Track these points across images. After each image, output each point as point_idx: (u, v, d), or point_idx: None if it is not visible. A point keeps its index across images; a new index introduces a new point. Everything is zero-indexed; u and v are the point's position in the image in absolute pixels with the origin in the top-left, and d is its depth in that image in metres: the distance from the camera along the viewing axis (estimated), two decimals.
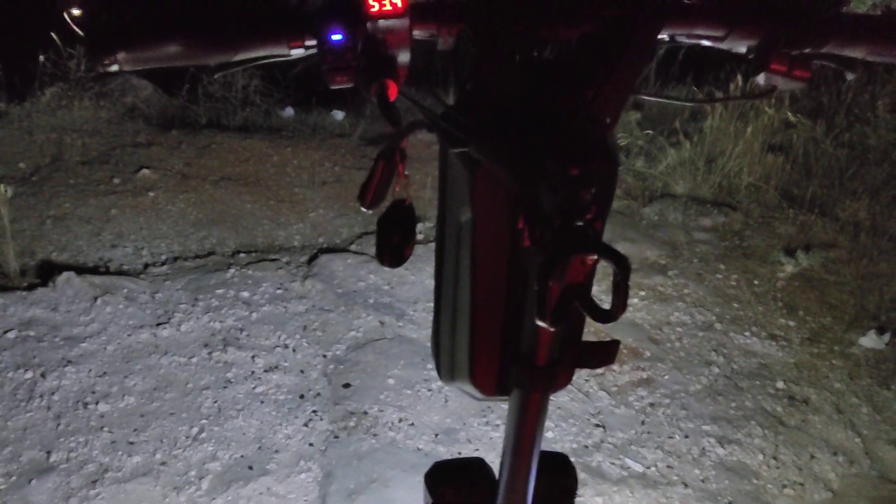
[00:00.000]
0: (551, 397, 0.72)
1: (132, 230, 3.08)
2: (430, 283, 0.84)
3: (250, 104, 4.50)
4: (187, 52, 0.61)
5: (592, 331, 2.46)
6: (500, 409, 2.14)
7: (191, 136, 4.05)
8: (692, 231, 3.39)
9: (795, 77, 0.69)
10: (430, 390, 2.24)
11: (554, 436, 2.11)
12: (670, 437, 2.14)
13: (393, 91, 0.61)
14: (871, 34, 0.72)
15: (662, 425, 2.19)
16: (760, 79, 0.70)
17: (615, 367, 2.42)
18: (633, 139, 3.99)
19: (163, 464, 1.92)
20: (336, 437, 2.05)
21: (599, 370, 2.38)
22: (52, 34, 4.16)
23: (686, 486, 1.97)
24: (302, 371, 2.31)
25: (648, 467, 2.02)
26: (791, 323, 2.74)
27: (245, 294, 2.65)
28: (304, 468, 1.94)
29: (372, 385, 2.25)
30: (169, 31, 0.60)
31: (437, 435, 2.07)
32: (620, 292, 0.52)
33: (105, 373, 2.21)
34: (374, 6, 0.60)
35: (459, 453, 2.01)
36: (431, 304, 0.82)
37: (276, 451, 1.98)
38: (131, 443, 1.97)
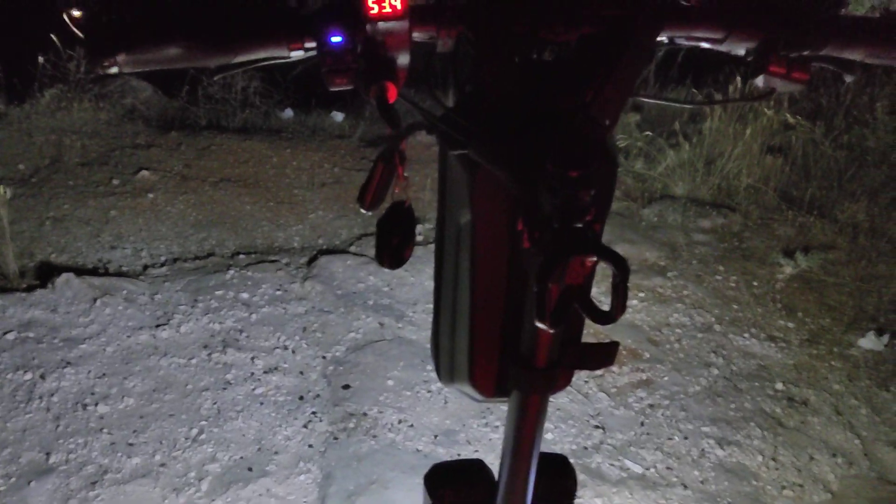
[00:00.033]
0: (551, 399, 0.73)
1: (131, 231, 3.08)
2: (430, 285, 0.84)
3: (250, 106, 4.51)
4: (187, 54, 0.61)
5: (592, 332, 2.46)
6: (500, 410, 2.14)
7: (190, 138, 4.05)
8: (691, 232, 3.39)
9: (794, 79, 0.69)
10: (429, 392, 2.24)
11: (553, 437, 2.11)
12: (670, 439, 2.14)
13: (392, 93, 0.61)
14: (869, 36, 0.72)
15: (662, 427, 2.19)
16: (759, 81, 0.70)
17: (614, 368, 2.42)
18: (633, 140, 3.99)
19: (162, 465, 1.91)
20: (335, 438, 2.05)
21: (599, 372, 2.38)
22: (52, 36, 4.17)
23: (685, 487, 1.97)
24: (301, 372, 2.31)
25: (648, 469, 2.02)
26: (790, 324, 2.74)
27: (244, 295, 2.65)
28: (304, 469, 1.94)
29: (371, 386, 2.25)
30: (169, 33, 0.61)
31: (436, 436, 2.07)
32: (619, 294, 0.52)
33: (104, 374, 2.21)
34: (373, 8, 0.60)
35: (459, 455, 2.01)
36: (431, 306, 0.82)
37: (276, 453, 1.98)
38: (130, 444, 1.97)
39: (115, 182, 3.49)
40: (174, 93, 4.50)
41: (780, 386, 2.40)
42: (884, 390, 2.40)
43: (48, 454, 1.91)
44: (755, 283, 3.00)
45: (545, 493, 0.80)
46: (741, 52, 0.72)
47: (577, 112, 0.62)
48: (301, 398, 2.20)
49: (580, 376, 2.35)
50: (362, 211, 0.66)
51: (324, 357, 2.39)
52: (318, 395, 2.22)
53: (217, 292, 2.65)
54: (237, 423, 2.08)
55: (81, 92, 4.27)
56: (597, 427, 2.17)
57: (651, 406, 2.27)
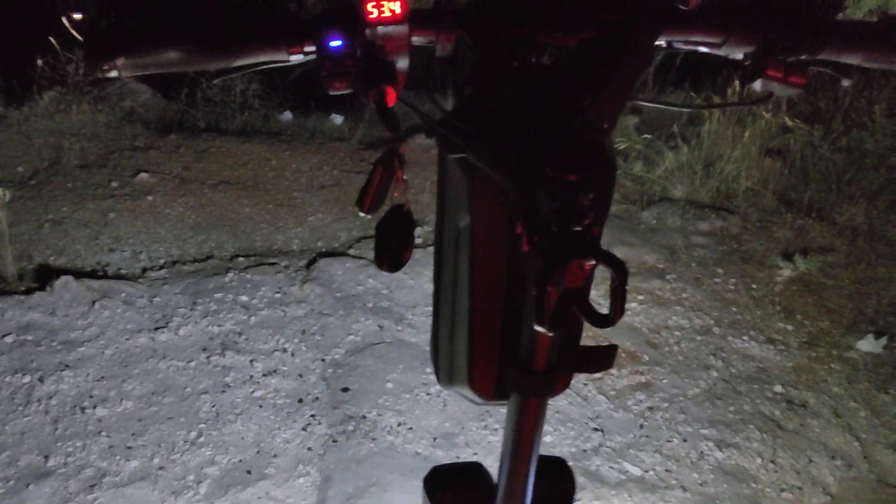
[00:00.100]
0: (550, 401, 0.73)
1: (130, 234, 3.08)
2: (429, 288, 0.84)
3: (249, 108, 4.51)
4: (187, 58, 0.61)
5: (591, 335, 2.46)
6: (499, 413, 2.14)
7: (189, 140, 4.05)
8: (690, 235, 3.39)
9: (791, 83, 0.69)
10: (428, 394, 2.24)
11: (552, 440, 2.11)
12: (669, 441, 2.14)
13: (392, 97, 0.61)
14: (867, 41, 0.72)
15: (661, 429, 2.19)
16: (757, 85, 0.70)
17: (613, 371, 2.42)
18: (632, 143, 4.00)
19: (161, 468, 1.91)
20: (335, 441, 2.05)
21: (598, 374, 2.38)
22: (51, 38, 4.17)
23: (684, 489, 1.97)
24: (300, 375, 2.31)
25: (647, 471, 2.02)
26: (789, 327, 2.74)
27: (244, 298, 2.65)
28: (303, 472, 1.93)
29: (370, 389, 2.25)
30: (168, 37, 0.61)
31: (435, 439, 2.07)
32: (618, 297, 0.52)
33: (103, 377, 2.21)
34: (373, 13, 0.61)
35: (458, 457, 2.01)
36: (430, 309, 0.82)
37: (275, 456, 1.98)
38: (129, 447, 1.97)
39: (114, 184, 3.49)
40: (173, 95, 4.50)
41: (779, 388, 2.40)
42: (883, 393, 2.41)
43: (46, 457, 1.91)
44: (754, 286, 3.00)
45: (544, 495, 0.80)
46: (739, 56, 0.72)
47: (575, 116, 0.62)
48: (300, 401, 2.20)
49: (579, 379, 2.35)
50: (361, 214, 0.66)
51: (323, 360, 2.38)
52: (317, 398, 2.22)
53: (216, 295, 2.65)
54: (236, 425, 2.07)
55: (80, 94, 4.27)
56: (596, 430, 2.17)
57: (650, 409, 2.27)
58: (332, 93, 0.64)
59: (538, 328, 0.54)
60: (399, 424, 2.11)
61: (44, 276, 2.66)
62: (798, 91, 0.70)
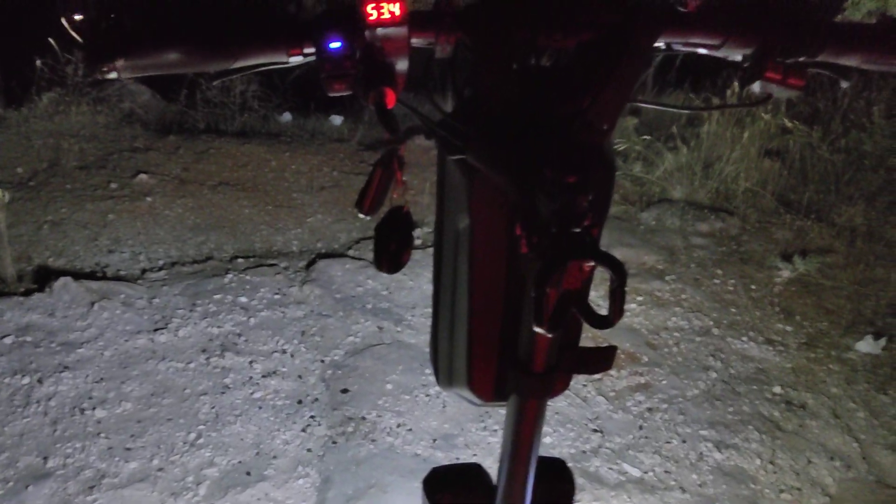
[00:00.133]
0: (549, 402, 0.73)
1: (129, 235, 3.08)
2: (429, 289, 0.84)
3: (248, 109, 4.51)
4: (187, 59, 0.61)
5: (590, 336, 2.46)
6: (498, 414, 2.14)
7: (189, 142, 4.05)
8: (690, 236, 3.39)
9: (790, 85, 0.69)
10: (428, 396, 2.23)
11: (552, 441, 2.11)
12: (668, 442, 2.14)
13: (391, 99, 0.61)
14: (865, 43, 0.72)
15: (660, 430, 2.19)
16: (756, 86, 0.71)
17: (613, 372, 2.42)
18: (631, 144, 4.00)
19: (160, 470, 1.91)
20: (334, 442, 2.05)
21: (597, 376, 2.38)
22: (50, 39, 4.17)
23: (684, 490, 1.97)
24: (300, 376, 2.30)
25: (646, 472, 2.02)
26: (788, 328, 2.74)
27: (243, 299, 2.65)
28: (302, 474, 1.93)
29: (370, 390, 2.25)
30: (168, 38, 0.61)
31: (435, 440, 2.07)
32: (617, 298, 0.52)
33: (102, 378, 2.21)
34: (372, 14, 0.61)
35: (457, 459, 2.01)
36: (429, 310, 0.82)
37: (274, 457, 1.98)
38: (128, 449, 1.97)
39: (113, 186, 3.49)
40: (172, 96, 4.51)
41: (778, 389, 2.40)
42: (882, 394, 2.41)
43: (46, 459, 1.91)
44: (753, 287, 3.00)
45: (543, 496, 0.80)
46: (738, 57, 0.72)
47: (575, 118, 0.62)
48: (300, 402, 2.20)
49: (578, 380, 2.35)
50: (361, 216, 0.66)
51: (322, 361, 2.38)
52: (316, 399, 2.21)
53: (215, 296, 2.65)
54: (235, 427, 2.07)
55: (79, 95, 4.27)
56: (595, 431, 2.17)
57: (649, 410, 2.27)
58: (331, 94, 0.64)
59: (537, 329, 0.54)
60: (398, 426, 2.11)
61: (43, 278, 2.66)
62: (797, 93, 0.70)
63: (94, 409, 2.09)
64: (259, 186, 3.64)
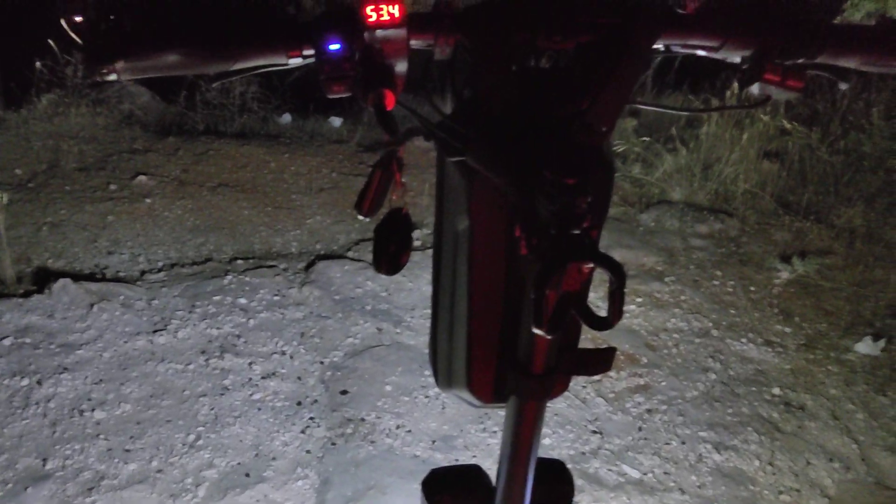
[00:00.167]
0: (548, 404, 0.73)
1: (129, 237, 3.08)
2: (428, 290, 0.84)
3: (248, 111, 4.51)
4: (186, 61, 0.61)
5: (590, 337, 2.46)
6: (498, 415, 2.14)
7: (188, 143, 4.05)
8: (689, 237, 3.39)
9: (789, 87, 0.69)
10: (427, 397, 2.23)
11: (551, 442, 2.11)
12: (667, 444, 2.14)
13: (390, 100, 0.61)
14: (864, 44, 0.72)
15: (659, 431, 2.19)
16: (754, 88, 0.71)
17: (612, 373, 2.42)
18: (630, 146, 4.00)
19: (159, 471, 1.91)
20: (333, 444, 2.05)
21: (596, 377, 2.38)
22: (50, 41, 4.17)
23: (683, 492, 1.97)
24: (299, 378, 2.30)
25: (645, 473, 2.02)
26: (787, 329, 2.74)
27: (242, 301, 2.64)
28: (302, 475, 1.93)
29: (369, 392, 2.25)
30: (168, 40, 0.61)
31: (434, 442, 2.07)
32: (616, 300, 0.53)
33: (101, 380, 2.20)
34: (371, 16, 0.61)
35: (457, 460, 2.01)
36: (429, 311, 0.82)
37: (274, 459, 1.98)
38: (127, 450, 1.97)
39: (113, 187, 3.49)
40: (172, 98, 4.51)
41: (777, 391, 2.40)
42: (881, 395, 2.41)
43: (45, 460, 1.91)
44: (752, 288, 3.00)
45: (543, 498, 0.80)
46: (737, 59, 0.72)
47: (574, 119, 0.62)
48: (299, 403, 2.20)
49: (578, 381, 2.35)
50: (360, 217, 0.66)
51: (322, 362, 2.38)
52: (315, 401, 2.21)
53: (215, 298, 2.65)
54: (234, 428, 2.07)
55: (79, 97, 4.27)
56: (594, 432, 2.17)
57: (649, 411, 2.27)
58: (330, 96, 0.64)
59: (536, 331, 0.54)
60: (398, 427, 2.11)
61: (42, 279, 2.66)
62: (795, 94, 0.70)
63: (93, 410, 2.08)
64: (258, 188, 3.64)
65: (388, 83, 0.61)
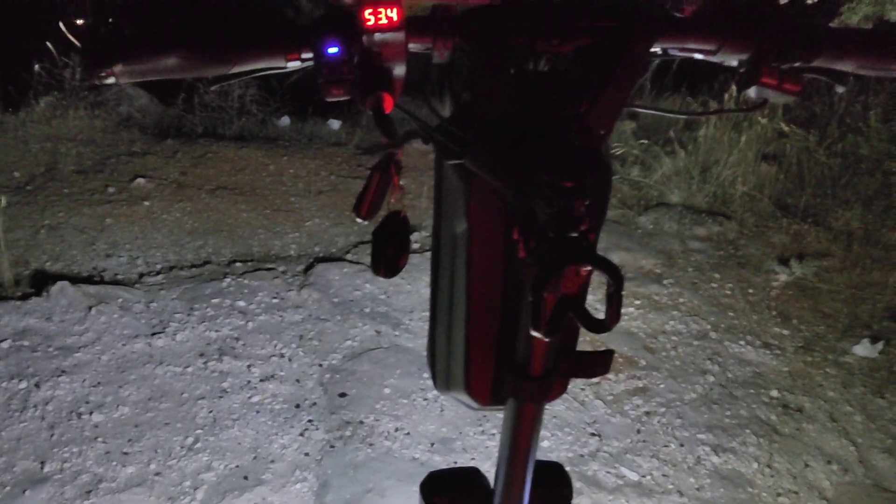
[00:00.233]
0: (547, 406, 0.73)
1: (127, 239, 3.08)
2: (426, 293, 0.84)
3: (246, 113, 4.51)
4: (185, 64, 0.61)
5: (588, 340, 2.46)
6: (496, 418, 2.14)
7: (186, 146, 4.05)
8: (687, 240, 3.40)
9: (786, 90, 0.69)
10: (425, 400, 2.23)
11: (549, 445, 2.11)
12: (665, 446, 2.14)
13: (389, 104, 0.61)
14: (861, 48, 0.73)
15: (658, 434, 2.19)
16: (752, 91, 0.71)
17: (611, 376, 2.42)
18: (629, 148, 4.01)
19: (157, 474, 1.91)
20: (332, 446, 2.05)
21: (595, 379, 2.39)
22: (48, 43, 4.17)
23: (681, 494, 1.97)
24: (298, 380, 2.30)
25: (644, 476, 2.02)
26: (785, 332, 2.75)
27: (241, 303, 2.64)
28: (300, 478, 1.93)
29: (368, 394, 2.25)
30: (166, 44, 0.61)
31: (432, 444, 2.07)
32: (614, 303, 0.53)
33: (99, 383, 2.20)
34: (370, 20, 0.61)
35: (455, 462, 2.01)
36: (427, 314, 0.82)
37: (272, 461, 1.98)
38: (125, 453, 1.96)
39: (111, 190, 3.49)
40: (170, 101, 4.51)
41: (775, 393, 2.40)
42: (878, 397, 2.41)
43: (43, 463, 1.91)
44: (750, 291, 3.01)
45: (541, 500, 0.80)
46: (734, 62, 0.72)
47: (572, 122, 0.62)
48: (297, 406, 2.19)
49: (576, 384, 2.35)
50: (358, 220, 0.66)
51: (320, 365, 2.38)
52: (314, 404, 2.21)
53: (213, 300, 2.65)
54: (233, 431, 2.07)
55: (77, 99, 4.27)
56: (593, 434, 2.17)
57: (647, 413, 2.27)
58: (329, 99, 0.64)
59: (534, 334, 0.54)
60: (396, 430, 2.11)
61: (40, 282, 2.66)
62: (793, 98, 0.70)
63: (91, 413, 2.08)
64: (257, 190, 3.64)
65: (386, 86, 0.61)
